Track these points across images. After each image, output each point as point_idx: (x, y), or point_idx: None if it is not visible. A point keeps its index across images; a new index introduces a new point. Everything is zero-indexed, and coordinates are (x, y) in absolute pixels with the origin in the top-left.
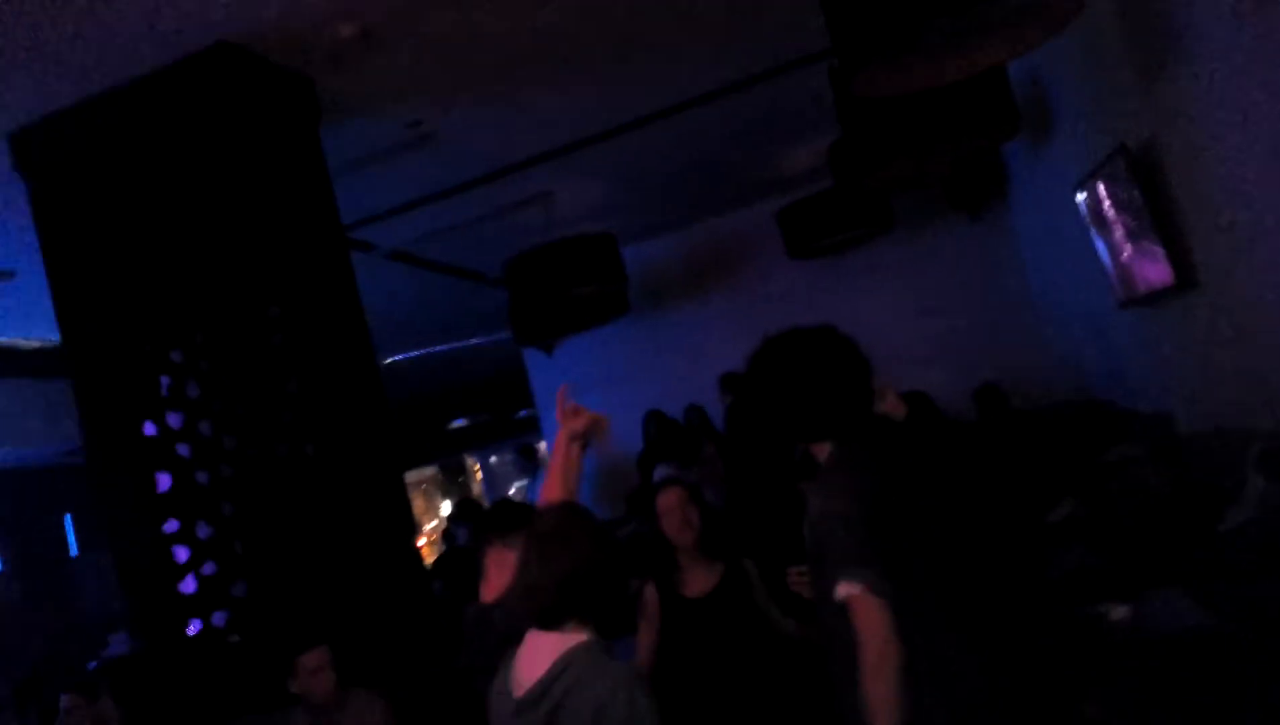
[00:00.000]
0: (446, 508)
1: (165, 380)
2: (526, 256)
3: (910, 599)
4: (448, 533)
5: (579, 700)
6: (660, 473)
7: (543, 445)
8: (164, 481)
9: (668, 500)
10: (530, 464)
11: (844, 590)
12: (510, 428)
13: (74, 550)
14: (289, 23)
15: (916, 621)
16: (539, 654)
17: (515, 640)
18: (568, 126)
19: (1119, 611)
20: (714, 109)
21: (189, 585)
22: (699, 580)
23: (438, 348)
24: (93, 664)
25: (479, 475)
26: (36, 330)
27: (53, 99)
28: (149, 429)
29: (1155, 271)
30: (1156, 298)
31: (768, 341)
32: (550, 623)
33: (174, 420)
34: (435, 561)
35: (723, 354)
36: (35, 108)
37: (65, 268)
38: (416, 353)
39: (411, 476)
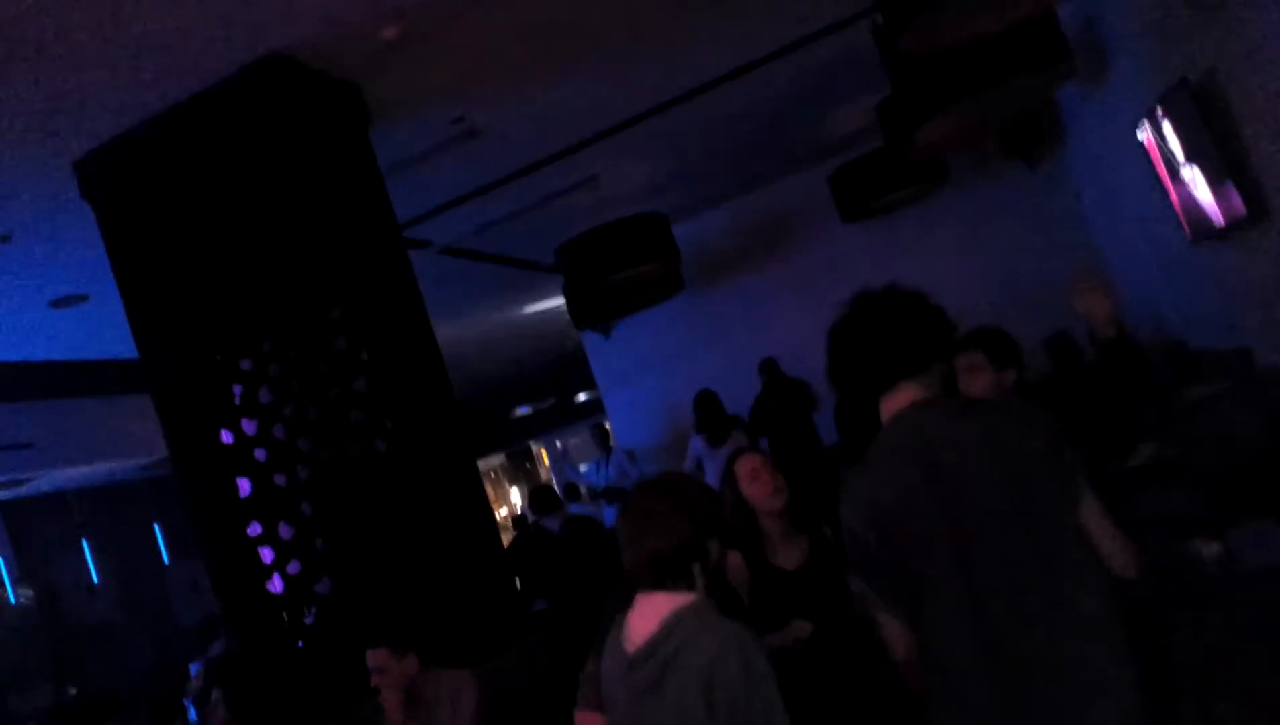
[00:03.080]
0: (515, 495)
1: (238, 388)
2: (578, 241)
3: (927, 607)
4: (521, 518)
5: (690, 657)
6: (693, 447)
7: (608, 426)
8: (244, 486)
9: (750, 464)
10: (604, 444)
11: (857, 598)
12: (574, 412)
13: (166, 559)
14: (332, 30)
15: (932, 630)
16: (649, 613)
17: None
18: (611, 108)
19: (1210, 548)
20: (757, 77)
21: (276, 585)
22: (790, 551)
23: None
24: (195, 665)
25: (546, 461)
26: (113, 349)
27: (112, 125)
28: (226, 437)
29: (1225, 205)
30: (1228, 232)
31: (857, 297)
32: (649, 588)
33: (248, 427)
34: (509, 545)
35: (781, 324)
36: (96, 135)
37: (136, 286)
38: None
39: (480, 465)
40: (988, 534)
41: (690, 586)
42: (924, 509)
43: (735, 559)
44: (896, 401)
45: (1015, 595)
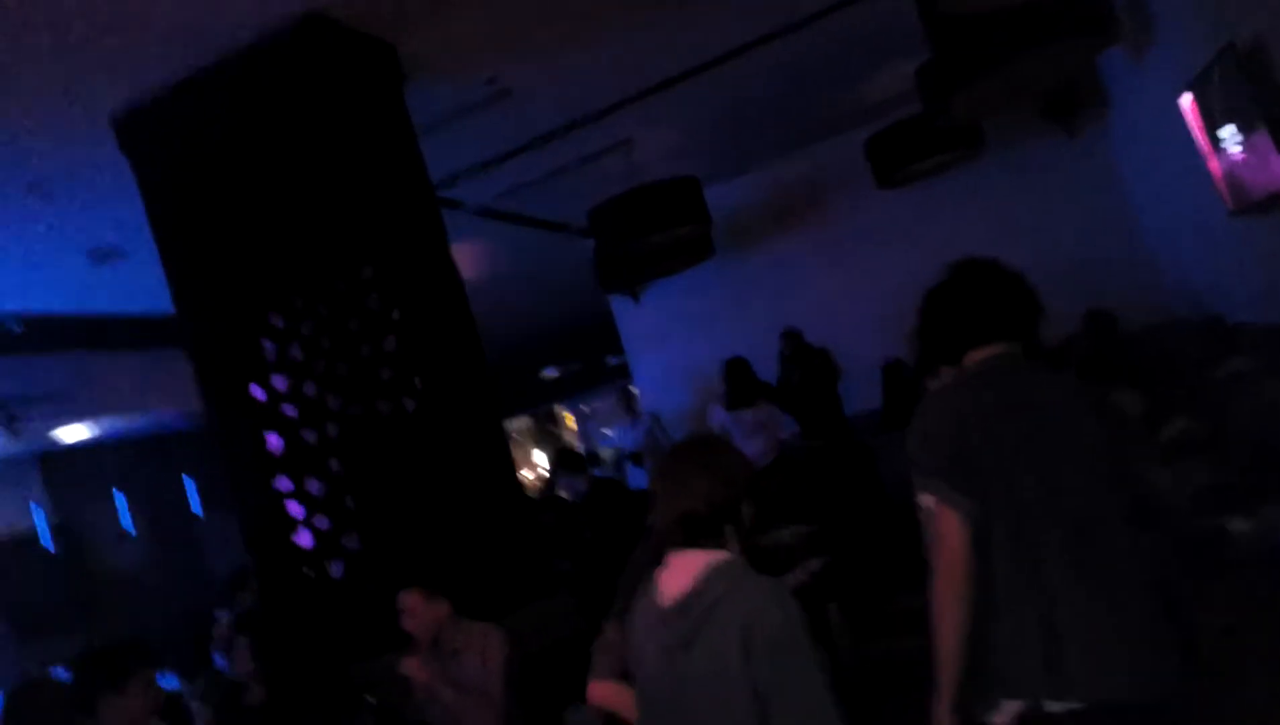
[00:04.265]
0: (539, 456)
1: (269, 345)
2: (609, 204)
3: (1009, 520)
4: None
5: (729, 610)
6: (713, 417)
7: (635, 391)
8: (275, 442)
9: None
10: (631, 409)
11: (921, 500)
12: (601, 375)
13: (198, 511)
14: None
15: (1014, 545)
16: (683, 569)
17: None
18: (644, 71)
19: (1240, 524)
20: (793, 41)
21: (305, 539)
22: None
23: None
24: (223, 614)
25: (571, 423)
26: (149, 303)
27: (150, 81)
28: (257, 392)
29: (1270, 176)
30: (1271, 204)
31: (965, 261)
32: (680, 546)
33: (279, 382)
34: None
35: (812, 290)
36: (135, 90)
37: (173, 242)
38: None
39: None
40: (1072, 469)
41: (723, 546)
42: (1000, 428)
43: None
44: (983, 352)
45: (1090, 517)
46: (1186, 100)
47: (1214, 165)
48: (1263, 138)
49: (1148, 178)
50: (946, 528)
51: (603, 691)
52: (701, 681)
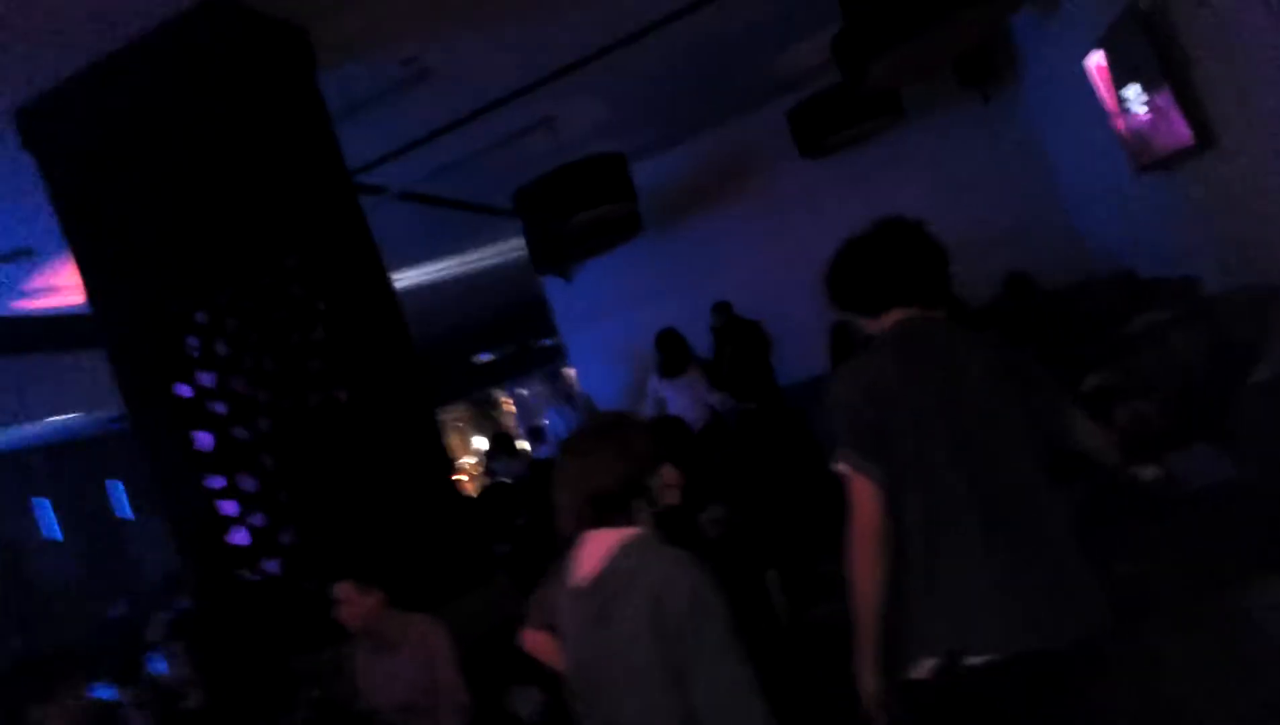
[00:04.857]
0: (480, 442)
1: (194, 341)
2: (536, 184)
3: (922, 481)
4: (489, 468)
5: (639, 583)
6: (651, 388)
7: (570, 371)
8: (204, 439)
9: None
10: (563, 392)
11: (836, 467)
12: (536, 357)
13: (126, 514)
14: None
15: (927, 505)
16: (595, 548)
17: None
18: (564, 47)
19: (1150, 470)
20: (711, 13)
21: (241, 537)
22: None
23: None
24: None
25: (510, 408)
26: (64, 303)
27: (53, 71)
28: (183, 390)
29: (1172, 133)
30: (1175, 160)
31: (887, 220)
32: (591, 526)
33: (206, 379)
34: (480, 494)
35: (743, 262)
36: (37, 82)
37: (84, 239)
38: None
39: (443, 414)
40: (986, 425)
41: (634, 522)
42: (917, 391)
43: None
44: (896, 314)
45: (1005, 475)
46: (1092, 61)
47: (1120, 125)
48: (1166, 96)
49: (1060, 139)
50: (859, 494)
51: (534, 640)
52: (619, 655)
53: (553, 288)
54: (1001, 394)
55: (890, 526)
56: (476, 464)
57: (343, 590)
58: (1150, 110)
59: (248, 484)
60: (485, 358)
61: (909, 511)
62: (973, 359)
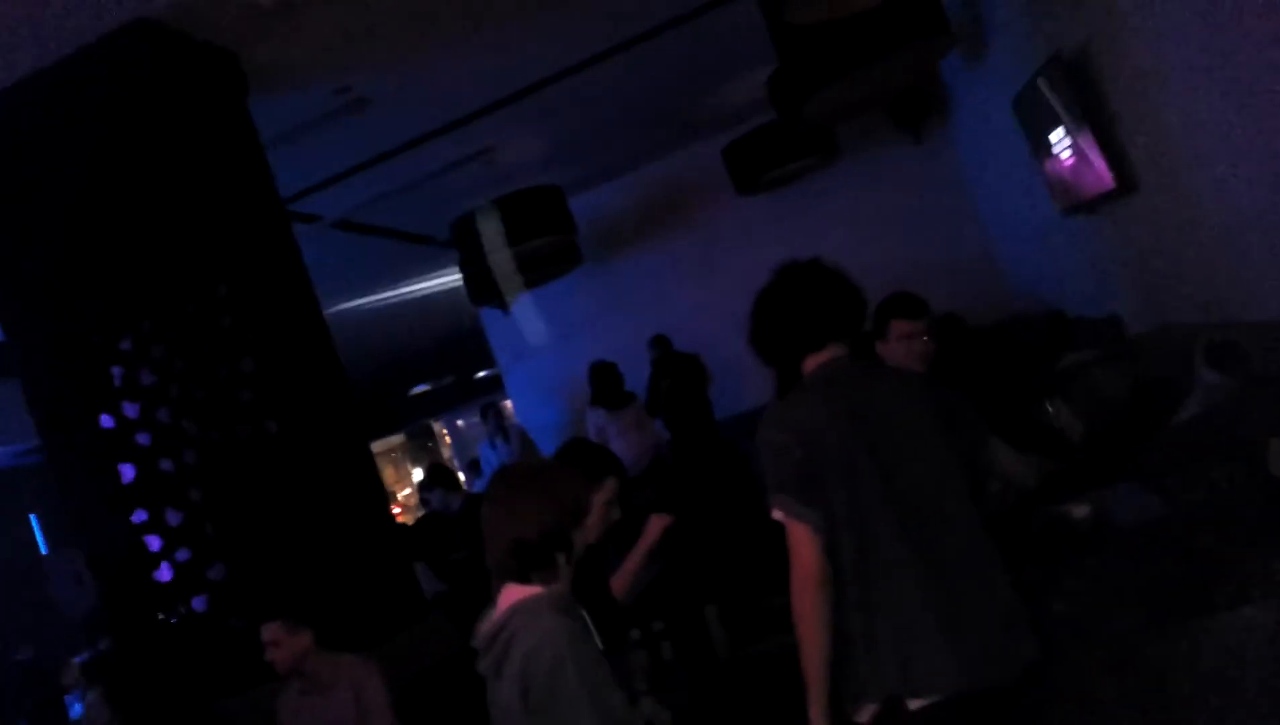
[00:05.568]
0: (417, 474)
1: (117, 371)
2: (473, 215)
3: (855, 525)
4: (422, 499)
5: (517, 648)
6: (591, 419)
7: (507, 404)
8: (127, 472)
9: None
10: (500, 426)
11: (773, 513)
12: (474, 389)
13: (44, 549)
14: None
15: (862, 549)
16: (502, 603)
17: None
18: (502, 79)
19: (1080, 509)
20: (649, 49)
21: (165, 573)
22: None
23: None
24: (80, 659)
25: (447, 440)
26: None
27: None
28: (106, 421)
29: (1095, 177)
30: (1097, 204)
31: (787, 265)
32: (512, 579)
33: (130, 410)
34: (414, 525)
35: (681, 295)
36: None
37: (1, 263)
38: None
39: (380, 446)
40: (914, 465)
41: (554, 577)
42: (847, 433)
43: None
44: (820, 357)
45: (936, 514)
46: (1018, 106)
47: (1046, 168)
48: (1088, 141)
49: (988, 180)
50: (798, 541)
51: None
52: (502, 715)
53: (490, 319)
54: (929, 432)
55: (830, 570)
56: (412, 495)
57: (271, 632)
58: (1073, 154)
59: (173, 518)
60: (421, 389)
61: (844, 554)
62: (897, 395)
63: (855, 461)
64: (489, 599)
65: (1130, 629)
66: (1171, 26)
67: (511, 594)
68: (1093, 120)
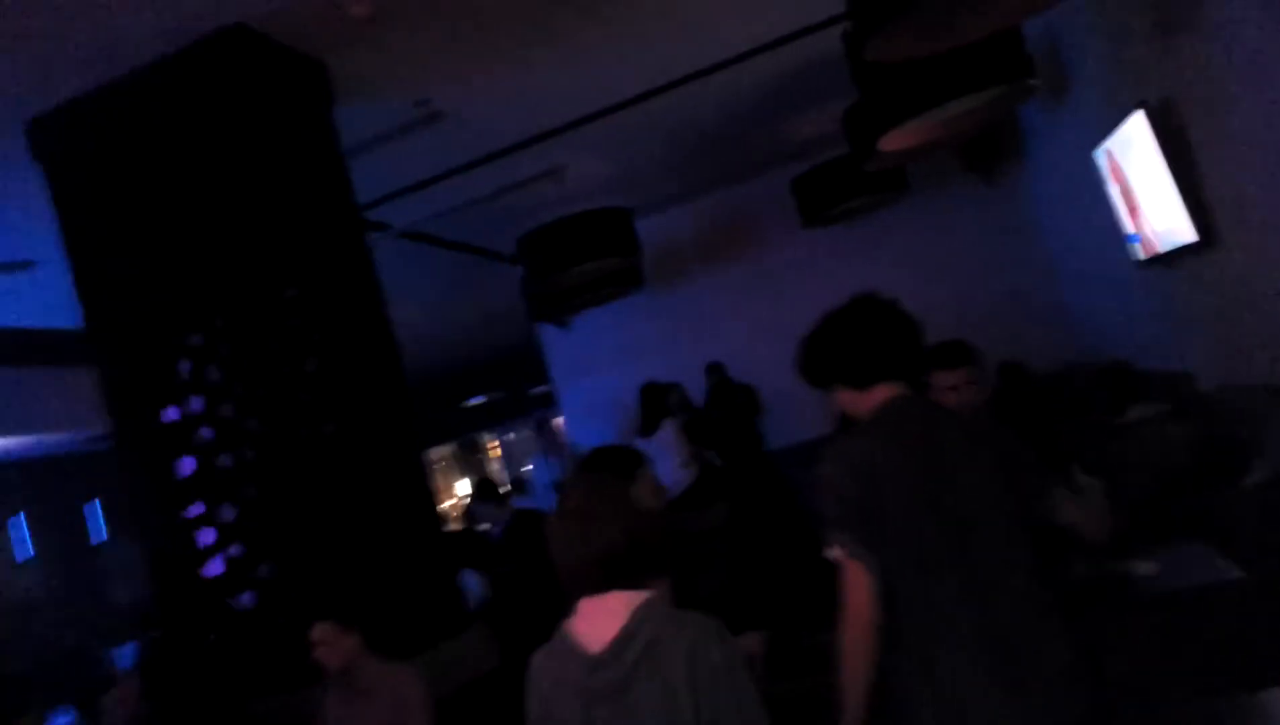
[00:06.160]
0: (463, 486)
1: (186, 365)
2: (540, 232)
3: (916, 574)
4: (469, 511)
5: (668, 650)
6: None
7: (558, 421)
8: (187, 466)
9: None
10: (552, 444)
11: (829, 552)
12: (526, 404)
13: (102, 536)
14: (302, 4)
15: (922, 600)
16: (604, 615)
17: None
18: (578, 100)
19: (1144, 567)
20: (726, 77)
21: (216, 567)
22: None
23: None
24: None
25: (496, 452)
26: (57, 319)
27: (68, 86)
28: (171, 414)
29: (1176, 230)
30: (1176, 257)
31: (862, 297)
32: (595, 590)
33: (196, 404)
34: (456, 535)
35: (739, 324)
36: (52, 95)
37: (85, 255)
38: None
39: (429, 454)
40: (977, 513)
41: (640, 585)
42: (909, 479)
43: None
44: (881, 393)
45: (996, 560)
46: (1100, 155)
47: (1125, 218)
48: (1170, 193)
49: (1062, 227)
50: (854, 582)
51: None
52: (652, 719)
53: (549, 335)
54: (990, 477)
55: (883, 615)
56: (457, 506)
57: (322, 631)
58: (1155, 206)
59: (227, 513)
60: (476, 401)
61: (903, 602)
62: (960, 441)
63: (917, 509)
64: (534, 613)
65: (1184, 696)
66: (1263, 84)
67: (611, 603)
68: (1176, 172)
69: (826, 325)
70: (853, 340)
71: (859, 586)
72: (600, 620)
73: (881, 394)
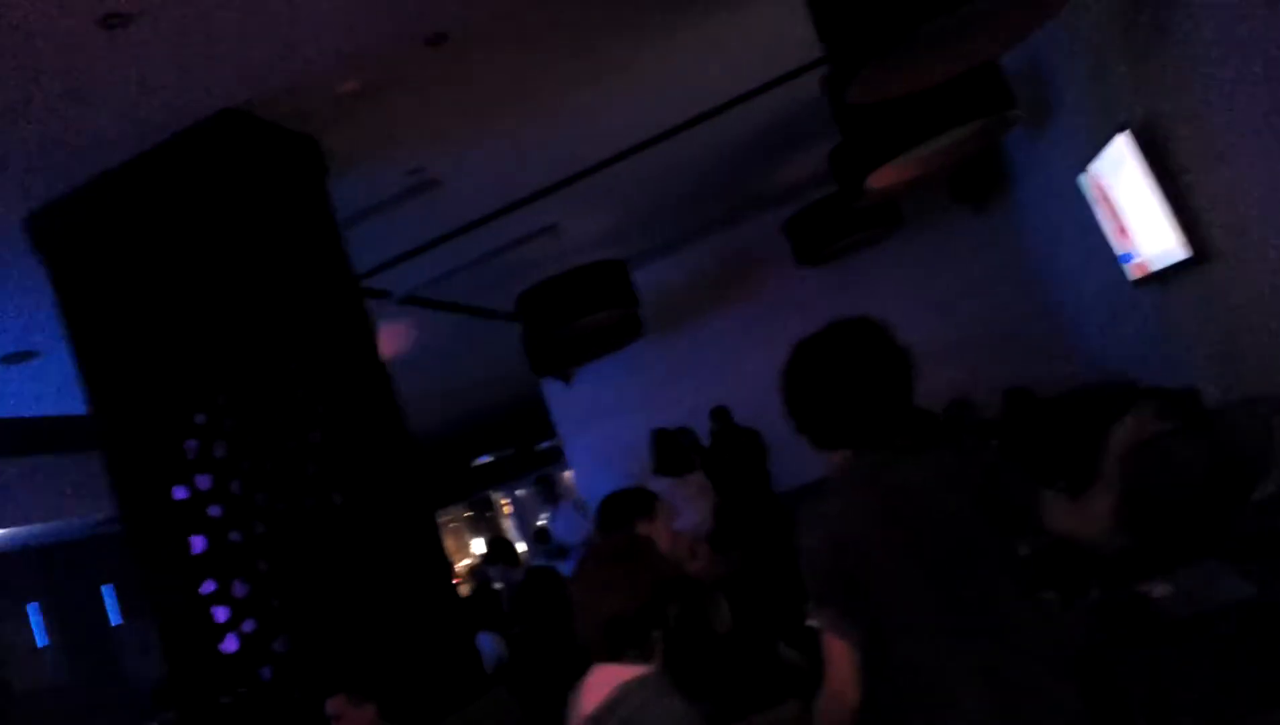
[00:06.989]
0: (477, 545)
1: (192, 443)
2: (537, 289)
3: (907, 637)
4: (478, 570)
5: None
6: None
7: (567, 474)
8: (198, 543)
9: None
10: (550, 496)
11: (811, 621)
12: (534, 460)
13: (117, 620)
14: (291, 84)
15: (917, 663)
16: (597, 685)
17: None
18: (568, 158)
19: (1159, 588)
20: (712, 127)
21: (231, 644)
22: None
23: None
24: None
25: (508, 509)
26: (62, 406)
27: (67, 178)
28: (180, 493)
29: (1167, 249)
30: (1171, 274)
31: (797, 344)
32: (605, 658)
33: (203, 482)
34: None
35: (740, 367)
36: (50, 188)
37: (88, 342)
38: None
39: (440, 517)
40: (957, 559)
41: (649, 657)
42: (887, 538)
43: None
44: (850, 452)
45: (989, 610)
46: (1086, 177)
47: (1116, 239)
48: (1159, 211)
49: (1055, 251)
50: (834, 655)
51: None
52: None
53: (552, 390)
54: (974, 522)
55: (862, 688)
56: (467, 567)
57: (336, 705)
58: (1145, 224)
59: (240, 589)
60: (484, 460)
61: (896, 665)
62: (937, 490)
63: (901, 569)
64: (550, 673)
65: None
66: (1246, 100)
67: (608, 673)
68: (1164, 190)
69: (790, 369)
70: (810, 398)
71: (839, 659)
72: (594, 690)
73: (849, 453)
